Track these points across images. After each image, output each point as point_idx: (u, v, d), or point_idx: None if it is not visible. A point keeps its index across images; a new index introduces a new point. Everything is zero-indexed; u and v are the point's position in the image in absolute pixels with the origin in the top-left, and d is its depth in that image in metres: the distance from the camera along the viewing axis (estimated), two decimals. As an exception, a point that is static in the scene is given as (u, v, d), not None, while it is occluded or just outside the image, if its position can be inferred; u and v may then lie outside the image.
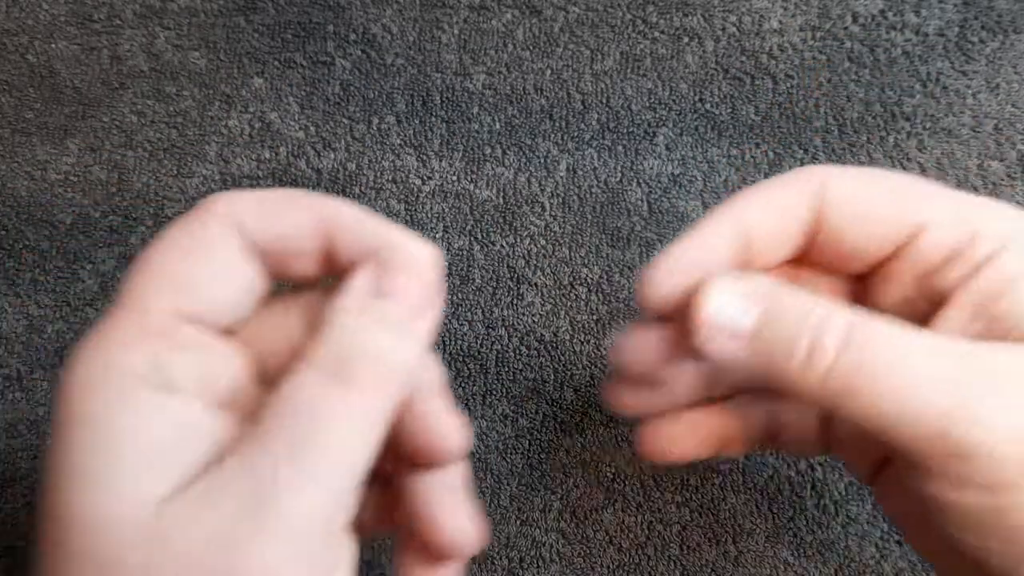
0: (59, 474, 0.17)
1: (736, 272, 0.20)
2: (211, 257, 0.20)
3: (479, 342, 0.31)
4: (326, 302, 0.22)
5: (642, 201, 0.32)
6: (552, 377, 0.31)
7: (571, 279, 0.32)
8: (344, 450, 0.17)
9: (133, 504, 0.17)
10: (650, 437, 0.25)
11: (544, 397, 0.31)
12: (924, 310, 0.21)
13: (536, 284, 0.32)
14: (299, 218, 0.20)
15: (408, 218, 0.32)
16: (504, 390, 0.31)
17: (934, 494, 0.18)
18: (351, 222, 0.20)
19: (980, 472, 0.17)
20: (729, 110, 0.33)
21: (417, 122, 0.33)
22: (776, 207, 0.21)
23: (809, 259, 0.23)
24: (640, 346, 0.23)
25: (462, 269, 0.32)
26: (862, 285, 0.23)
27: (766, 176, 0.32)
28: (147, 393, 0.18)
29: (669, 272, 0.22)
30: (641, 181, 0.33)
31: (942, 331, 0.20)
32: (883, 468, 0.24)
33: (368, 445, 0.18)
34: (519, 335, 0.31)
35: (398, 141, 0.33)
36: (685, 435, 0.25)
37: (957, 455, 0.17)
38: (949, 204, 0.20)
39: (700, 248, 0.21)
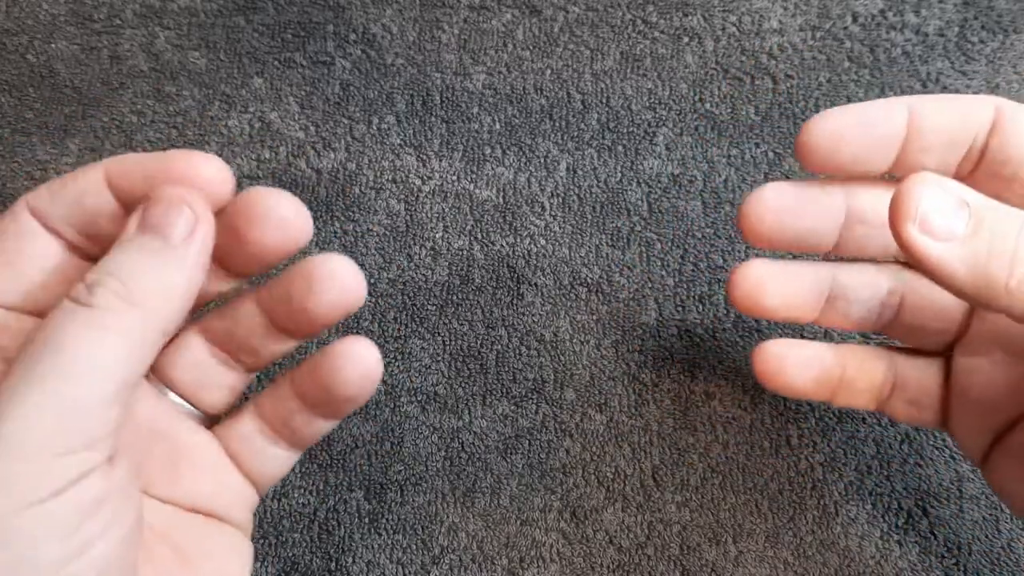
0: None
1: (936, 175, 0.18)
2: (8, 249, 0.20)
3: (479, 342, 0.31)
4: None
5: (642, 201, 0.32)
6: (552, 377, 0.31)
7: (571, 279, 0.32)
8: (78, 364, 0.17)
9: None
10: (770, 357, 0.25)
11: (544, 397, 0.31)
12: None
13: (536, 284, 0.32)
14: (82, 183, 0.21)
15: (408, 218, 0.32)
16: (504, 390, 0.31)
17: None
18: (128, 165, 0.21)
19: None
20: (729, 110, 0.33)
21: (417, 122, 0.33)
22: (954, 108, 0.21)
23: (979, 186, 0.22)
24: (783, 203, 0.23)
25: (462, 269, 0.32)
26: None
27: (766, 177, 0.32)
28: None
29: (843, 122, 0.21)
30: (641, 181, 0.32)
31: None
32: (1001, 440, 0.23)
33: (111, 359, 0.18)
34: (519, 335, 0.31)
35: (398, 141, 0.33)
36: (805, 364, 0.25)
37: None
38: None
39: (878, 111, 0.21)
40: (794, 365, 0.25)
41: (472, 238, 0.32)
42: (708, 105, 0.33)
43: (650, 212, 0.32)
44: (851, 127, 0.21)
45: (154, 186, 0.20)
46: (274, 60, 0.34)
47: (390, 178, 0.33)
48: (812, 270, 0.25)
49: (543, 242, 0.32)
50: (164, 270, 0.19)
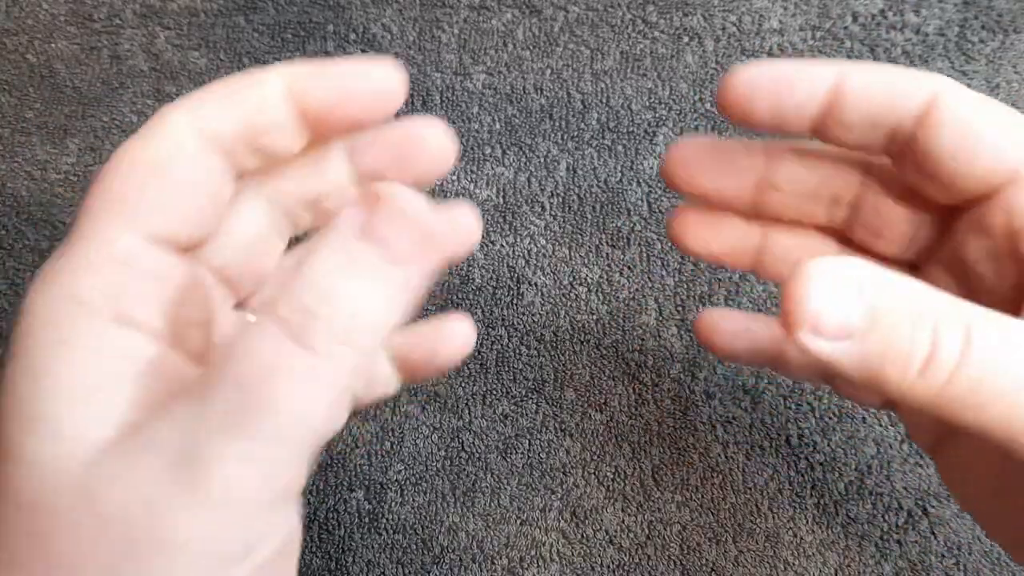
0: (5, 411, 0.16)
1: (833, 258, 0.17)
2: (173, 170, 0.18)
3: (479, 342, 0.31)
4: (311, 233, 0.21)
5: (642, 201, 0.32)
6: (552, 377, 0.31)
7: (571, 279, 0.32)
8: (291, 424, 0.15)
9: (72, 446, 0.15)
10: (711, 334, 0.24)
11: (544, 397, 0.31)
12: (1009, 275, 0.20)
13: (536, 284, 0.32)
14: (256, 99, 0.19)
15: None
16: (504, 390, 0.31)
17: None
18: (319, 88, 0.19)
19: None
20: (729, 110, 0.33)
21: (417, 122, 0.33)
22: (883, 87, 0.20)
23: (903, 172, 0.21)
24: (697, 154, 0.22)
25: (462, 269, 0.32)
26: (949, 231, 0.22)
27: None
28: (100, 326, 0.16)
29: (760, 76, 0.20)
30: (641, 181, 0.32)
31: None
32: (948, 442, 0.22)
33: (322, 414, 0.16)
34: (519, 335, 0.31)
35: (398, 141, 0.33)
36: (741, 334, 0.24)
37: None
38: None
39: (801, 72, 0.20)
40: (728, 333, 0.24)
41: (472, 238, 0.32)
42: (708, 105, 0.33)
43: (650, 212, 0.32)
44: (767, 83, 0.20)
45: (348, 116, 0.19)
46: (274, 60, 0.34)
47: (390, 178, 0.33)
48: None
49: (543, 242, 0.32)
50: (382, 298, 0.16)
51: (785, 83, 0.20)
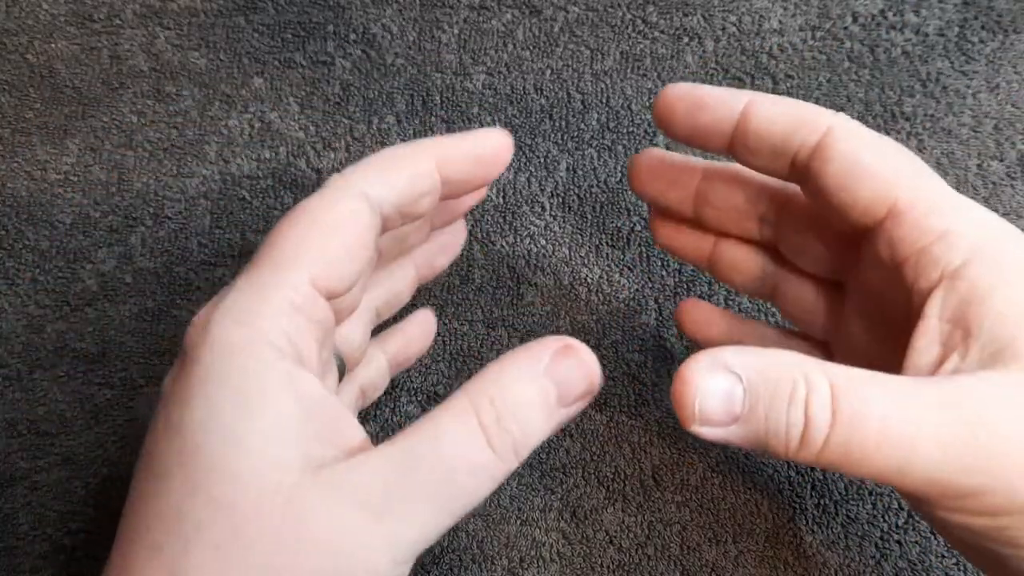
0: (199, 423, 0.18)
1: (710, 354, 0.19)
2: (345, 233, 0.21)
3: (479, 342, 0.31)
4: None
5: (642, 201, 0.32)
6: (552, 377, 0.31)
7: (571, 279, 0.32)
8: (465, 502, 0.19)
9: (276, 469, 0.18)
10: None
11: (544, 397, 0.31)
12: (902, 299, 0.21)
13: (536, 284, 0.32)
14: (412, 168, 0.22)
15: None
16: (504, 390, 0.31)
17: (941, 518, 0.19)
18: (460, 153, 0.23)
19: (978, 507, 0.18)
20: (729, 110, 0.33)
21: (417, 122, 0.33)
22: (783, 119, 0.22)
23: (809, 199, 0.23)
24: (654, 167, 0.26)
25: (462, 269, 0.32)
26: (859, 254, 0.23)
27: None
28: (288, 366, 0.19)
29: (679, 98, 0.23)
30: (641, 181, 0.33)
31: (924, 342, 0.20)
32: None
33: (481, 502, 0.19)
34: (519, 335, 0.31)
35: (398, 141, 0.33)
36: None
37: (956, 497, 0.18)
38: (925, 191, 0.21)
39: (715, 98, 0.22)
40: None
41: (472, 238, 0.32)
42: (708, 105, 0.33)
43: (650, 212, 0.32)
44: (685, 102, 0.23)
45: (474, 178, 0.23)
46: (274, 60, 0.34)
47: (390, 178, 0.33)
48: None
49: (543, 242, 0.32)
50: (545, 430, 0.20)
51: (699, 104, 0.23)
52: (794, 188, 0.24)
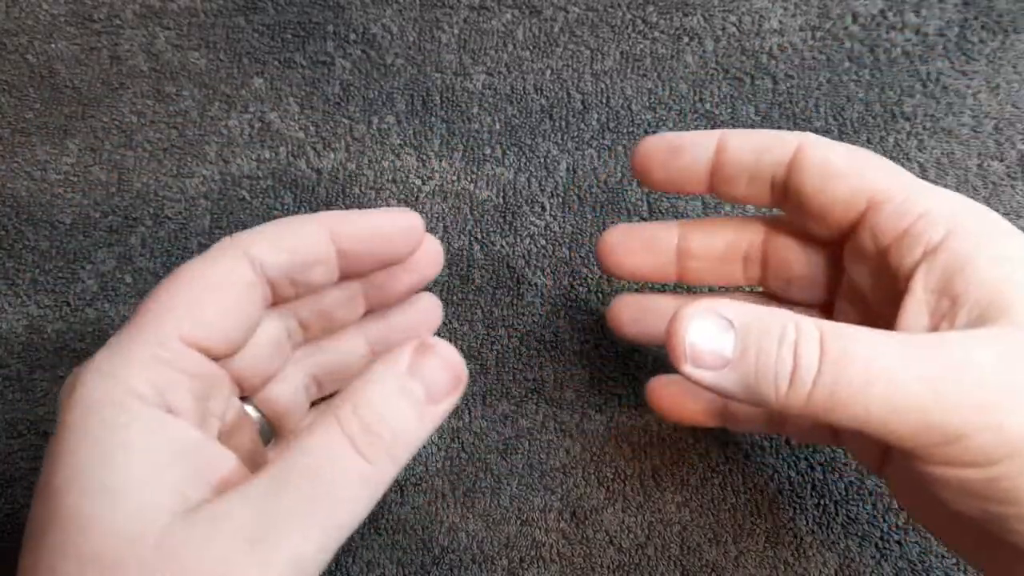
0: (66, 481, 0.18)
1: (704, 299, 0.20)
2: (222, 291, 0.21)
3: (479, 342, 0.31)
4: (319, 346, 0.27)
5: (642, 201, 0.32)
6: (552, 377, 0.31)
7: (571, 279, 0.32)
8: (346, 514, 0.19)
9: (144, 514, 0.18)
10: (658, 394, 0.27)
11: (544, 397, 0.31)
12: (890, 290, 0.22)
13: (536, 284, 0.32)
14: (303, 237, 0.23)
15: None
16: (504, 390, 0.31)
17: (931, 472, 0.19)
18: (355, 229, 0.23)
19: (967, 452, 0.18)
20: (729, 110, 0.33)
21: (417, 122, 0.33)
22: (754, 146, 0.23)
23: (791, 217, 0.24)
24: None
25: (462, 269, 0.32)
26: (842, 266, 0.24)
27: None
28: (154, 414, 0.19)
29: (654, 147, 0.24)
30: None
31: (912, 314, 0.20)
32: (889, 456, 0.24)
33: (366, 511, 0.19)
34: (519, 335, 0.31)
35: (398, 141, 0.33)
36: (689, 399, 0.27)
37: (944, 442, 0.18)
38: (900, 182, 0.22)
39: (688, 141, 0.24)
40: (676, 396, 0.27)
41: (472, 238, 0.32)
42: (708, 105, 0.33)
43: (650, 212, 0.32)
44: (660, 152, 0.24)
45: (374, 252, 0.24)
46: (274, 60, 0.34)
47: (390, 178, 0.33)
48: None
49: (543, 242, 0.32)
50: (420, 427, 0.20)
51: (675, 149, 0.24)
52: (774, 220, 0.26)
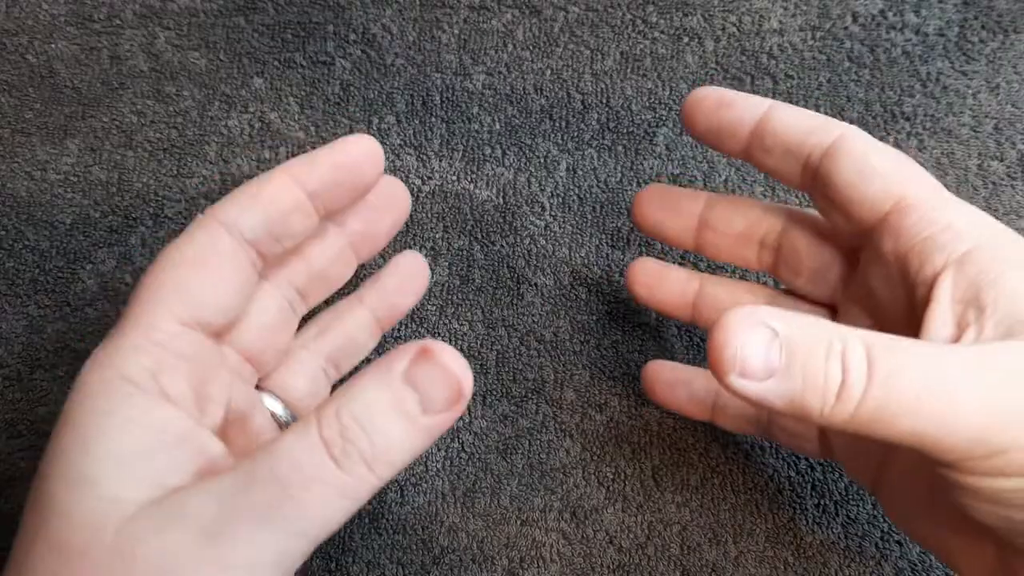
0: (47, 468, 0.19)
1: (747, 307, 0.19)
2: (206, 264, 0.21)
3: (479, 342, 0.31)
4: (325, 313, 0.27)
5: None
6: (552, 377, 0.31)
7: (571, 279, 0.32)
8: (312, 521, 0.18)
9: (111, 505, 0.18)
10: (652, 379, 0.28)
11: (544, 397, 0.31)
12: (902, 295, 0.22)
13: (536, 284, 0.32)
14: (276, 192, 0.23)
15: (408, 218, 0.32)
16: (504, 390, 0.31)
17: (963, 481, 0.18)
18: (317, 167, 0.23)
19: (1011, 465, 0.18)
20: (729, 110, 0.33)
21: (417, 122, 0.33)
22: (800, 124, 0.23)
23: (815, 201, 0.24)
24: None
25: (462, 269, 0.32)
26: (857, 267, 0.24)
27: (766, 177, 0.32)
28: (143, 400, 0.19)
29: (706, 98, 0.24)
30: (641, 181, 0.32)
31: (938, 323, 0.20)
32: (883, 473, 0.24)
33: (338, 522, 0.18)
34: (519, 335, 0.31)
35: (398, 141, 0.33)
36: (682, 389, 0.27)
37: (989, 455, 0.18)
38: (931, 191, 0.22)
39: (740, 99, 0.24)
40: (668, 383, 0.28)
41: (472, 238, 0.32)
42: (708, 105, 0.33)
43: (650, 212, 0.32)
44: (712, 99, 0.24)
45: (342, 183, 0.24)
46: (274, 60, 0.34)
47: (390, 178, 0.33)
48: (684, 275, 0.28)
49: (543, 242, 0.32)
50: (409, 441, 0.19)
51: (726, 102, 0.24)
52: (798, 211, 0.26)
